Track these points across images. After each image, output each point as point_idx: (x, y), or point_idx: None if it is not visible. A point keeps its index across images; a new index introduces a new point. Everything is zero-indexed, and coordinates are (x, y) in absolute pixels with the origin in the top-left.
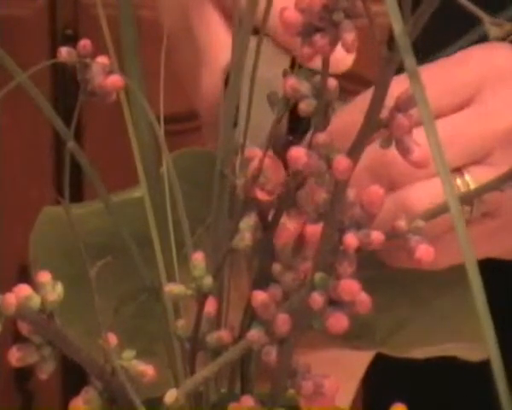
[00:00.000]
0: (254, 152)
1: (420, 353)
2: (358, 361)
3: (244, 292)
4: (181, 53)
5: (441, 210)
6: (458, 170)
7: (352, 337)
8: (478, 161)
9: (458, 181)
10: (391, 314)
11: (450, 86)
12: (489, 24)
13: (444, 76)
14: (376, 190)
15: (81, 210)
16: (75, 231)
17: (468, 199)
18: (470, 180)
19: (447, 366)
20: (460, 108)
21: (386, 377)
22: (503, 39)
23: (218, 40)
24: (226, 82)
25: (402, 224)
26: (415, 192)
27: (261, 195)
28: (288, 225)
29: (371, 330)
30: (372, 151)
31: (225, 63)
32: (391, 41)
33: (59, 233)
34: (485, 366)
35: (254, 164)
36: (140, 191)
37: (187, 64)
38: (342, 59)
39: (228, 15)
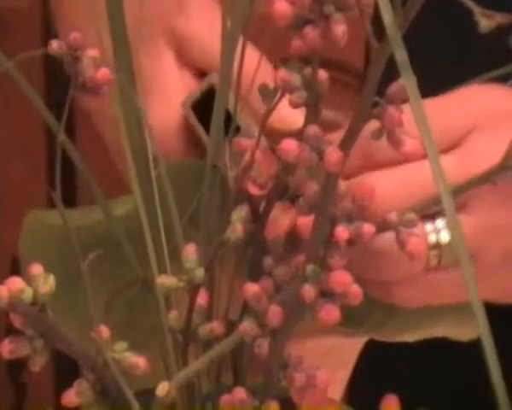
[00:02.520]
0: (246, 144)
1: (410, 336)
2: (350, 350)
3: (234, 284)
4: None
5: (432, 203)
6: (431, 216)
7: (344, 325)
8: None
9: (429, 227)
10: (380, 302)
11: (443, 128)
12: (480, 15)
13: (438, 117)
14: (368, 183)
15: (73, 213)
16: (66, 224)
17: (459, 194)
18: (442, 226)
19: (431, 351)
20: (448, 149)
21: (369, 362)
22: (494, 31)
23: (165, 82)
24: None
25: (393, 216)
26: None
27: (253, 189)
28: (280, 218)
29: (363, 318)
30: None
31: (179, 98)
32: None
33: (47, 231)
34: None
35: (247, 156)
36: (131, 203)
37: None
38: (292, 117)
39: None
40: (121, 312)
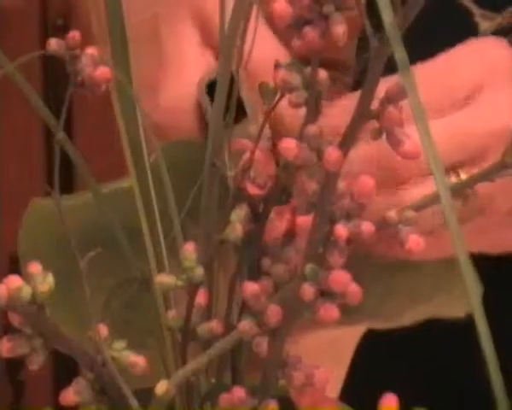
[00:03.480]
0: (245, 144)
1: (407, 319)
2: (346, 346)
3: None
4: (141, 57)
5: (432, 201)
6: (455, 170)
7: (342, 314)
8: (474, 159)
9: (454, 180)
10: (377, 286)
11: (450, 86)
12: (479, 16)
13: (443, 75)
14: (366, 180)
15: (70, 201)
16: (64, 222)
17: (459, 191)
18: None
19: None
20: (460, 106)
21: (365, 359)
22: (494, 32)
23: (186, 56)
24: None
25: (392, 214)
26: (409, 197)
27: (252, 189)
28: (279, 219)
29: (359, 305)
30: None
31: (198, 75)
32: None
33: (48, 225)
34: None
35: (246, 156)
36: (128, 181)
37: (145, 70)
38: None
39: (208, 42)
40: (120, 310)
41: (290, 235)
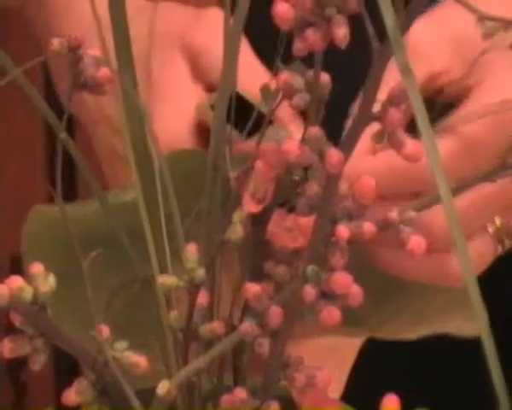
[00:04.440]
0: (247, 145)
1: (412, 334)
2: (349, 349)
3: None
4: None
5: (433, 201)
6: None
7: (346, 324)
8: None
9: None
10: (384, 302)
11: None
12: (479, 19)
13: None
14: (367, 181)
15: (73, 206)
16: (66, 222)
17: (460, 192)
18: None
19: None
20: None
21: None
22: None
23: (181, 81)
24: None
25: (394, 215)
26: (454, 262)
27: (250, 206)
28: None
29: (365, 317)
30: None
31: (191, 105)
32: None
33: (50, 228)
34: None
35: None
36: (132, 193)
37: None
38: None
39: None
40: (122, 311)
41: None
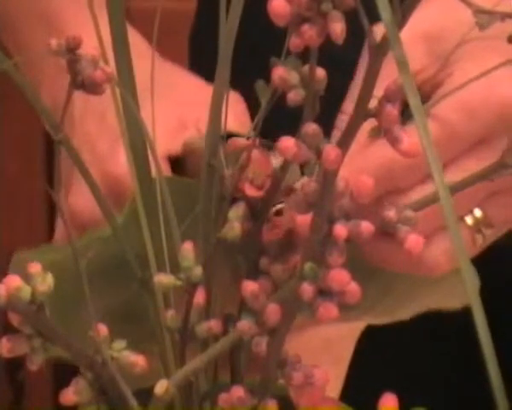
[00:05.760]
0: (242, 142)
1: (405, 313)
2: (345, 345)
3: (229, 283)
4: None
5: (431, 200)
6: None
7: (340, 309)
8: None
9: (469, 220)
10: (376, 283)
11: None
12: (476, 12)
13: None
14: (365, 180)
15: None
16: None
17: (457, 189)
18: (479, 213)
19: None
20: None
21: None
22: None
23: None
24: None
25: (391, 214)
26: (430, 252)
27: (250, 191)
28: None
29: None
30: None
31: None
32: None
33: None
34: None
35: (244, 155)
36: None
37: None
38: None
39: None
40: (119, 310)
41: (289, 234)
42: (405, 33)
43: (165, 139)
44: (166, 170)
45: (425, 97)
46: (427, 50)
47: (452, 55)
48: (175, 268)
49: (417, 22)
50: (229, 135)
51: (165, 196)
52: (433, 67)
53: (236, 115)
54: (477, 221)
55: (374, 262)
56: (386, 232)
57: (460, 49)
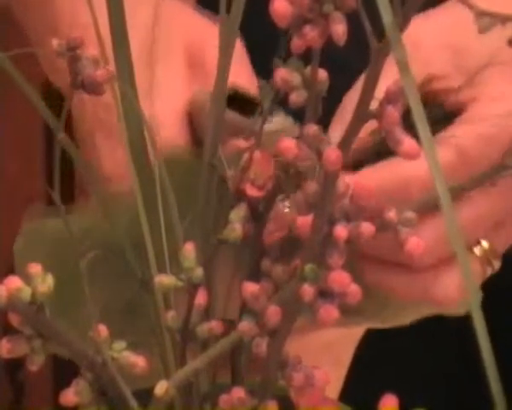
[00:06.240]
0: (243, 143)
1: (405, 319)
2: (346, 346)
3: (231, 283)
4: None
5: (431, 200)
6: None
7: (342, 315)
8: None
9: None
10: (375, 296)
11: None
12: (477, 14)
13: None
14: (365, 183)
15: (71, 212)
16: (68, 224)
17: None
18: (486, 244)
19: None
20: None
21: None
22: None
23: (178, 79)
24: None
25: (392, 215)
26: (440, 286)
27: (251, 191)
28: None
29: (360, 307)
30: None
31: (184, 100)
32: None
33: (47, 229)
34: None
35: (245, 156)
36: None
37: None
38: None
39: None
40: (120, 311)
41: (290, 235)
42: (432, 40)
43: (179, 93)
44: (184, 133)
45: (443, 106)
46: (453, 61)
47: (480, 79)
48: (175, 263)
49: (453, 31)
50: (237, 96)
51: (164, 182)
52: (455, 79)
53: (248, 75)
54: (485, 252)
55: (383, 291)
56: (401, 264)
57: (488, 72)
